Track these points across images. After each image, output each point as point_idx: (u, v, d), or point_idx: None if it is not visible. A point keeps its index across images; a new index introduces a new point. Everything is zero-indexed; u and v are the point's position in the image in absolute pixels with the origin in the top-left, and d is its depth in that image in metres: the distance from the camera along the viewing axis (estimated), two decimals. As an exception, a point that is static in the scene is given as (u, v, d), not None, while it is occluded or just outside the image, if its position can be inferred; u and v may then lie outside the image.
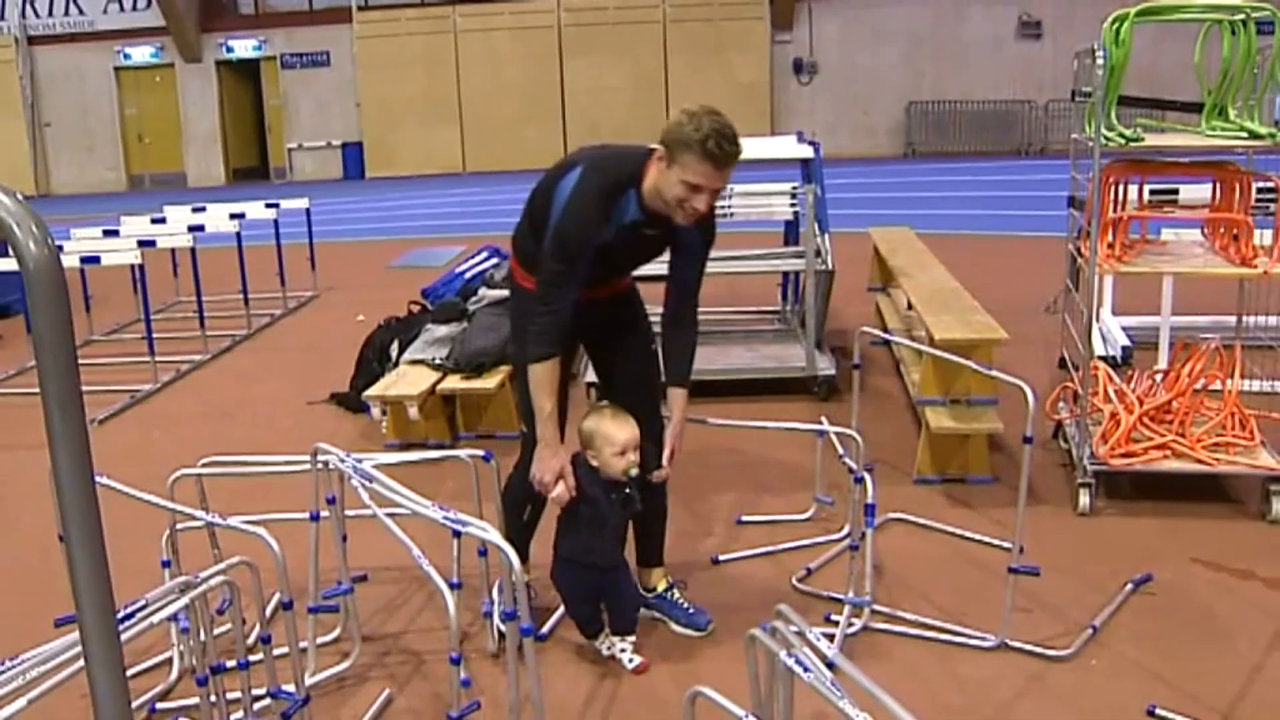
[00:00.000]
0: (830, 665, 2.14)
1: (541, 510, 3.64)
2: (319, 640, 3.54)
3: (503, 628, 3.38)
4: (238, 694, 2.96)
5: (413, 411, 5.50)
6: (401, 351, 6.17)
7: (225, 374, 7.51)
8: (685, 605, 3.73)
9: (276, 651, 3.01)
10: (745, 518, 4.61)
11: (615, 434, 3.30)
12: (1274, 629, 3.61)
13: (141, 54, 23.66)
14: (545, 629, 3.68)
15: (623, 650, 3.51)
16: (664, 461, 3.47)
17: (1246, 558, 4.11)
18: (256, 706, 3.01)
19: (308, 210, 9.83)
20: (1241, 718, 3.13)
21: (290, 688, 2.94)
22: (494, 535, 2.63)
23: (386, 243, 13.16)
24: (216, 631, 3.38)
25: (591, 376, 6.38)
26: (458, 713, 2.81)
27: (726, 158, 3.12)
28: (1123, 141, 4.38)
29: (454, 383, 5.73)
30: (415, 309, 6.84)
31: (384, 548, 4.01)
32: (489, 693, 3.30)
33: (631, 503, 3.35)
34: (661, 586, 3.77)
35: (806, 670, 2.06)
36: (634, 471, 3.30)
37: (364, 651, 3.55)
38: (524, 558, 3.57)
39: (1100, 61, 4.29)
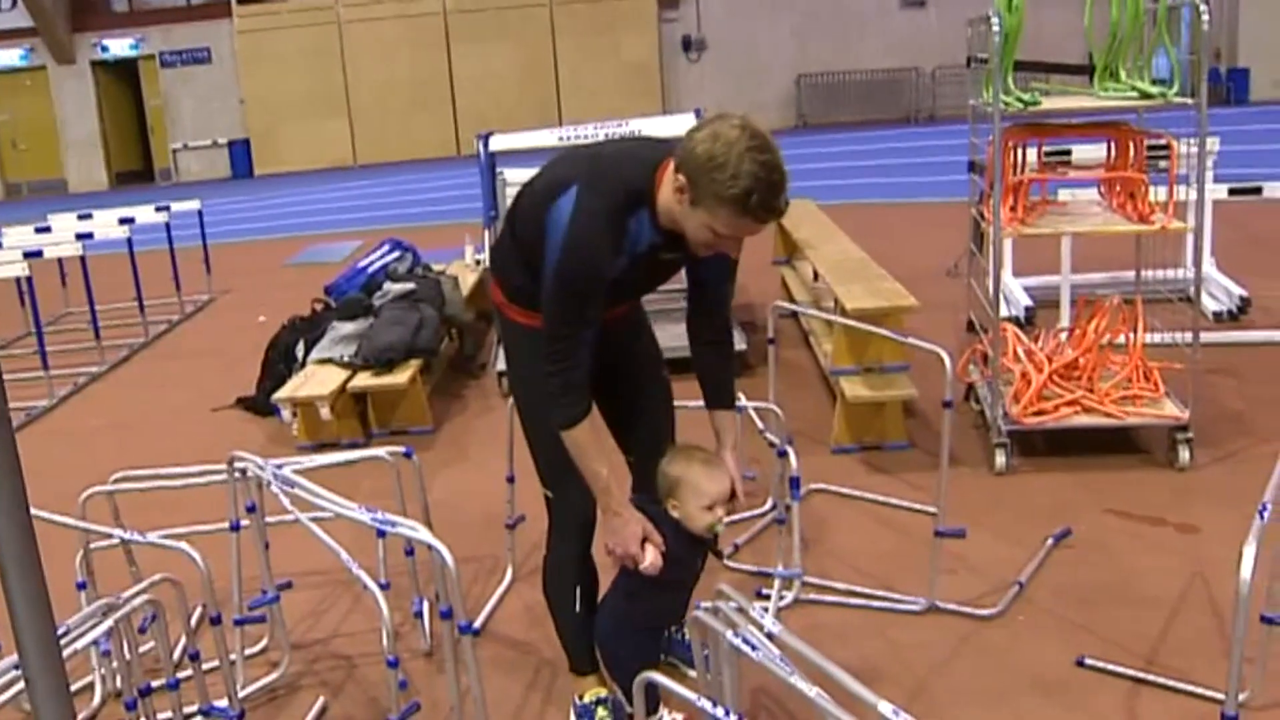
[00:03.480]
0: (772, 638, 2.14)
1: (596, 594, 3.03)
2: (246, 652, 3.46)
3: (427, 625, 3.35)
4: (168, 714, 2.87)
5: (324, 412, 5.40)
6: (308, 351, 6.06)
7: (125, 385, 7.30)
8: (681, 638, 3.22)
9: (204, 667, 2.93)
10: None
11: (707, 486, 2.78)
12: (1187, 573, 3.72)
13: (10, 57, 22.84)
14: (477, 623, 3.64)
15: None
16: (737, 494, 2.91)
17: (1158, 506, 4.23)
18: (188, 725, 2.93)
19: (200, 212, 9.59)
20: (1165, 661, 3.22)
21: (222, 703, 2.87)
22: (424, 534, 2.58)
23: (281, 241, 12.91)
24: (139, 651, 3.28)
25: (504, 365, 6.37)
26: (398, 715, 2.76)
27: (772, 214, 2.48)
28: (1021, 105, 4.45)
29: (364, 380, 5.64)
30: (319, 307, 6.71)
31: (303, 553, 3.94)
32: (425, 693, 3.25)
33: (716, 553, 2.97)
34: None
35: (755, 649, 2.06)
36: (720, 529, 2.82)
37: (294, 660, 3.48)
38: (594, 664, 3.05)
39: (996, 28, 4.34)
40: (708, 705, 2.07)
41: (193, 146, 23.00)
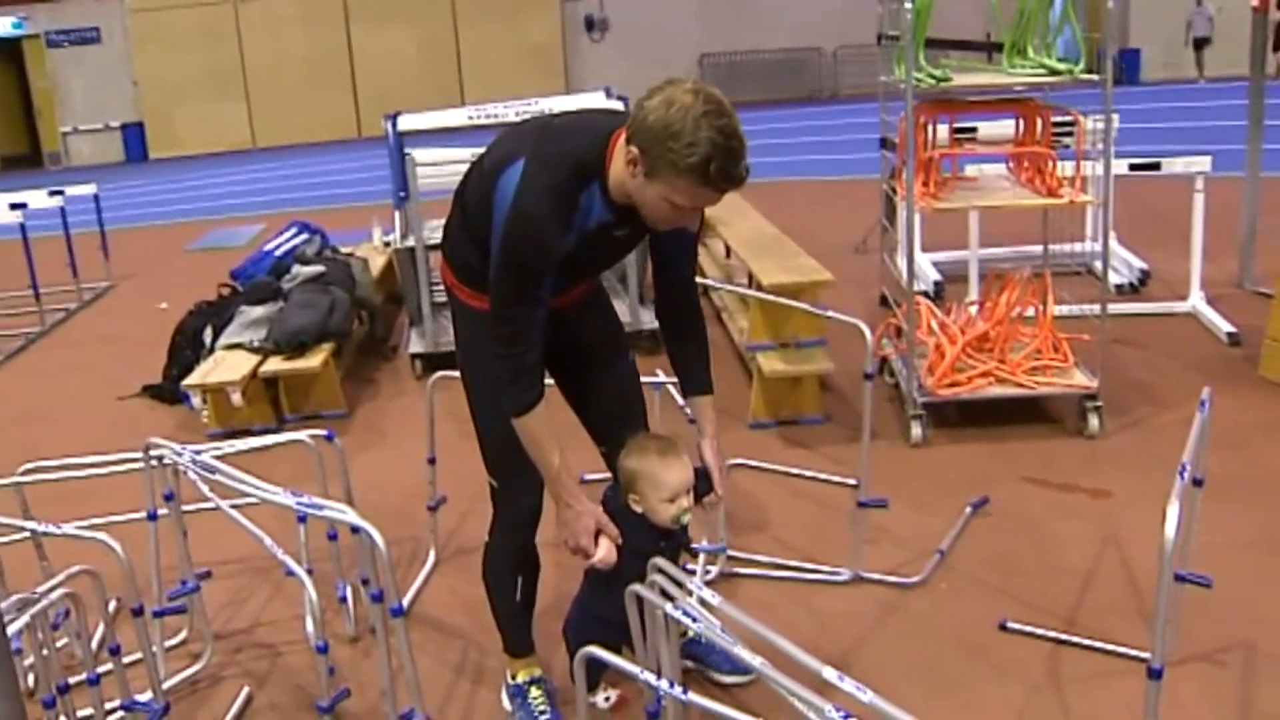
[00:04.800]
0: (712, 609, 2.15)
1: (536, 580, 2.99)
2: (166, 644, 3.38)
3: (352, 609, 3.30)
4: (89, 710, 2.79)
5: (235, 397, 5.28)
6: (216, 337, 5.92)
7: (23, 375, 7.06)
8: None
9: (125, 660, 2.85)
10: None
11: (665, 477, 2.66)
12: (1100, 536, 3.82)
13: (-119, 38, 21.96)
14: (404, 602, 3.59)
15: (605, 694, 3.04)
16: (716, 487, 2.83)
17: (1070, 472, 4.33)
18: (110, 721, 2.85)
19: (96, 196, 9.31)
20: (1083, 621, 3.31)
21: (144, 697, 2.80)
22: (352, 516, 2.54)
23: (181, 225, 12.60)
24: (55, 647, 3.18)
25: (417, 347, 6.31)
26: (328, 702, 2.72)
27: (732, 183, 2.33)
28: (933, 82, 4.51)
29: (276, 364, 5.54)
30: (225, 291, 6.56)
31: (219, 542, 3.88)
32: (352, 678, 3.20)
33: (683, 549, 2.86)
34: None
35: (695, 620, 2.07)
36: (686, 519, 2.71)
37: (216, 650, 3.40)
38: (528, 648, 3.01)
39: (909, 5, 4.39)
40: (650, 678, 2.07)
41: (84, 130, 22.31)
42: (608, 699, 2.98)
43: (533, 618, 3.03)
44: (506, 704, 3.05)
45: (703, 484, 2.79)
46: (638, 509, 2.70)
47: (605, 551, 2.66)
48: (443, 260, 2.81)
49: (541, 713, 2.92)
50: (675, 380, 3.26)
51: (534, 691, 2.97)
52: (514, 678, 3.02)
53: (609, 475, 2.87)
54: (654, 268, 2.85)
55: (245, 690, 3.22)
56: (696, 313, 2.89)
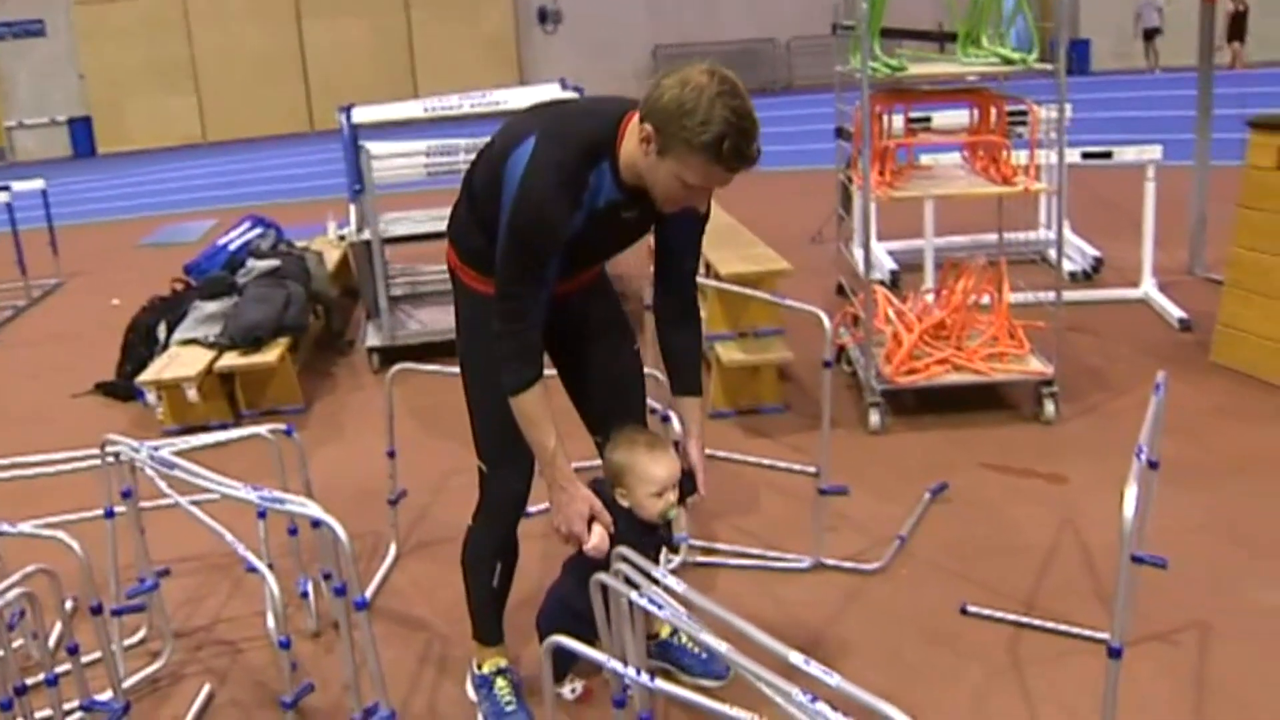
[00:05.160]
0: (677, 597, 2.16)
1: (514, 569, 2.98)
2: (125, 643, 3.34)
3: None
4: (48, 711, 2.76)
5: (191, 393, 5.23)
6: (170, 332, 5.86)
7: (-29, 373, 6.96)
8: (695, 650, 3.10)
9: (83, 660, 2.82)
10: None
11: (653, 471, 2.65)
12: (1058, 520, 3.87)
13: None
14: (366, 595, 3.57)
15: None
16: (700, 487, 2.81)
17: (1027, 458, 4.38)
18: (69, 721, 2.82)
19: (44, 192, 9.17)
20: (1042, 604, 3.35)
21: (104, 697, 2.76)
22: (314, 510, 2.52)
23: (132, 221, 12.45)
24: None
25: (374, 341, 6.27)
26: (291, 697, 2.70)
27: (745, 162, 2.33)
28: (889, 71, 4.53)
29: (232, 359, 5.49)
30: (179, 287, 6.49)
31: (177, 539, 3.84)
32: (315, 673, 3.18)
33: (669, 545, 2.83)
34: (666, 631, 3.12)
35: (661, 608, 2.07)
36: (672, 514, 2.70)
37: (176, 648, 3.37)
38: (497, 637, 3.01)
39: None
40: (617, 666, 2.08)
41: (29, 124, 22.00)
42: (574, 690, 2.98)
43: (505, 607, 3.02)
44: (471, 693, 3.05)
45: (687, 484, 2.77)
46: (624, 503, 2.68)
47: (598, 539, 2.63)
48: (449, 243, 2.81)
49: (507, 704, 2.92)
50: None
51: (500, 682, 2.96)
52: (480, 667, 3.01)
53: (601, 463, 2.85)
54: (656, 260, 2.82)
55: (206, 688, 3.19)
56: (694, 310, 2.88)
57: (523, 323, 2.50)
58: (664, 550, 2.82)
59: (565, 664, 2.91)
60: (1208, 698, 2.87)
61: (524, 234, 2.42)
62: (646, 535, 2.67)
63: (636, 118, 2.40)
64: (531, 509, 2.94)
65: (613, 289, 3.00)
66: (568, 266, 2.57)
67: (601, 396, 2.91)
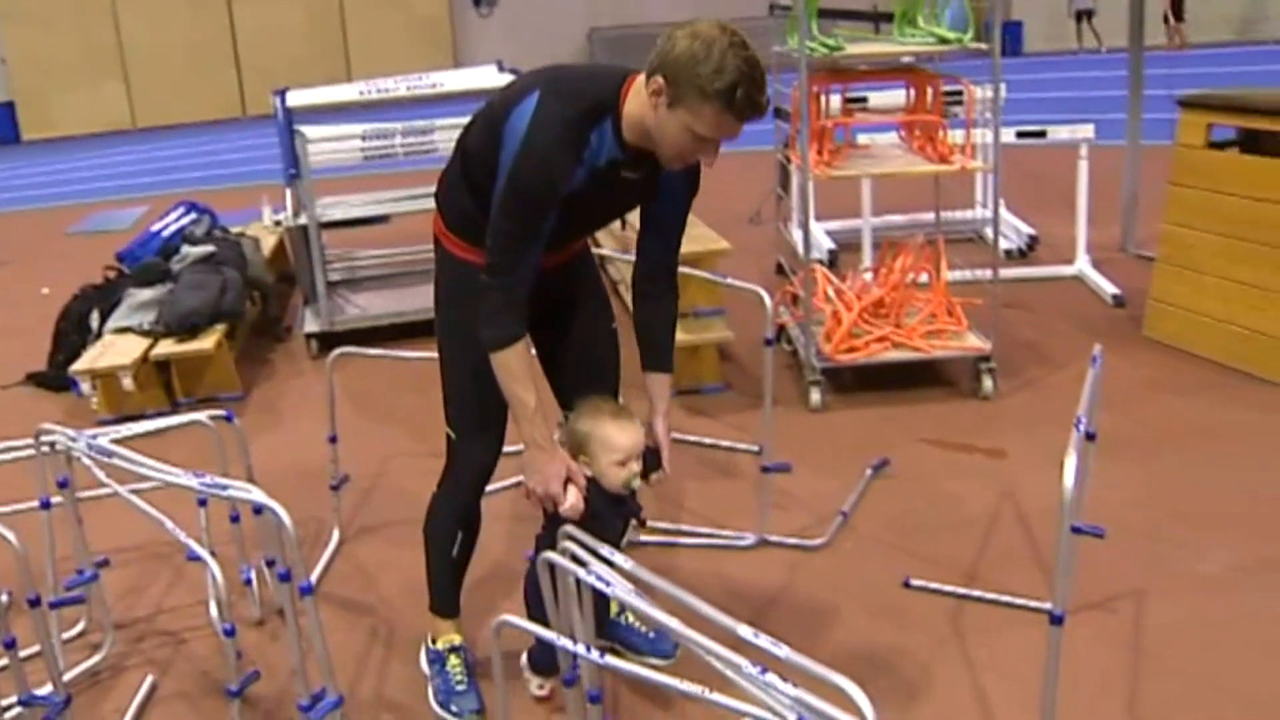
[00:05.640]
0: (624, 574, 2.17)
1: (474, 540, 2.97)
2: (63, 636, 3.29)
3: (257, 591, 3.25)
4: (-15, 704, 2.72)
5: (127, 382, 5.15)
6: (104, 321, 5.75)
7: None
8: (642, 629, 3.12)
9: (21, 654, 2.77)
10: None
11: (617, 439, 2.64)
12: (997, 493, 3.93)
13: None
14: (311, 580, 3.55)
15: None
16: (664, 464, 2.81)
17: (966, 433, 4.44)
18: (7, 717, 2.77)
19: (-33, 179, 8.97)
20: (982, 576, 3.40)
21: (43, 691, 2.72)
22: (258, 495, 2.49)
23: (60, 209, 12.18)
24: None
25: (312, 327, 6.21)
26: (237, 685, 2.68)
27: (757, 111, 2.38)
28: (827, 51, 4.55)
29: (167, 347, 5.40)
30: (112, 274, 6.37)
31: (114, 529, 3.79)
32: (260, 661, 3.15)
33: (637, 517, 2.81)
34: (614, 610, 3.11)
35: (609, 585, 2.08)
36: (636, 484, 2.68)
37: (116, 640, 3.32)
38: (454, 609, 3.00)
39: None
40: (567, 643, 2.08)
41: (-50, 111, 21.45)
42: (541, 686, 2.92)
43: (463, 581, 3.00)
44: (424, 666, 3.04)
45: (651, 460, 2.76)
46: (587, 472, 2.67)
47: (575, 499, 2.61)
48: (436, 210, 2.80)
49: (459, 683, 2.91)
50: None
51: (453, 660, 2.95)
52: (434, 642, 3.00)
53: (511, 448, 2.83)
54: (640, 233, 2.82)
55: (149, 679, 3.15)
56: (674, 285, 2.89)
57: (513, 276, 2.49)
58: (632, 522, 2.82)
59: (550, 661, 2.81)
60: (1144, 662, 2.93)
61: (524, 186, 2.42)
62: (615, 505, 2.68)
63: (641, 78, 2.44)
64: (492, 486, 2.93)
65: (595, 267, 3.01)
66: (563, 232, 2.56)
67: (574, 371, 2.91)
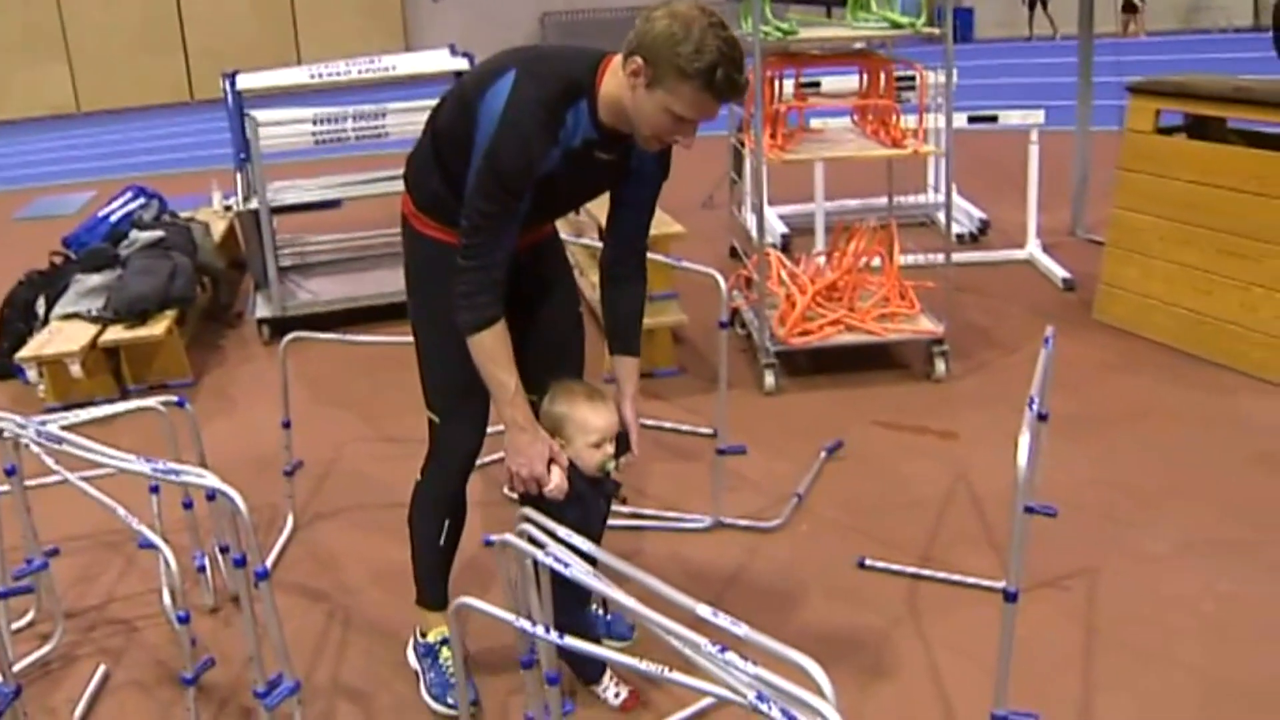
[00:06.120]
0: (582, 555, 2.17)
1: (461, 527, 2.93)
2: (13, 625, 3.24)
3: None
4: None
5: (75, 369, 5.07)
6: (50, 307, 5.66)
7: None
8: (599, 613, 3.11)
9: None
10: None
11: (593, 420, 2.64)
12: (950, 474, 3.97)
13: None
14: (267, 564, 3.52)
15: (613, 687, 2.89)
16: (633, 447, 2.80)
17: (919, 415, 4.48)
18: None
19: (-92, 163, 8.79)
20: (936, 556, 3.44)
21: (-8, 679, 2.68)
22: (213, 480, 2.47)
23: (4, 194, 11.97)
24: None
25: (264, 312, 6.15)
26: (192, 673, 2.65)
27: (736, 91, 2.38)
28: (780, 35, 4.56)
29: (116, 333, 5.33)
30: (58, 260, 6.27)
31: (63, 517, 3.74)
32: (215, 648, 3.13)
33: (616, 498, 2.80)
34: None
35: (567, 566, 2.08)
36: (611, 466, 2.68)
37: (68, 629, 3.28)
38: (443, 601, 2.93)
39: (754, -43, 4.43)
40: (526, 625, 2.08)
41: (-113, 95, 21.00)
42: (617, 695, 2.85)
43: (450, 570, 2.96)
44: (413, 662, 3.00)
45: (620, 444, 2.75)
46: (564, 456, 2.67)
47: (559, 479, 2.60)
48: (405, 190, 2.76)
49: (453, 675, 2.84)
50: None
51: (445, 652, 2.89)
52: (424, 635, 2.96)
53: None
54: (611, 215, 2.81)
55: (102, 668, 3.11)
56: (643, 268, 2.88)
57: (490, 258, 2.47)
58: (612, 503, 2.82)
59: (598, 667, 2.84)
60: (1096, 639, 2.98)
61: (501, 167, 2.40)
62: (595, 486, 2.68)
63: (618, 59, 2.43)
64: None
65: (564, 251, 3.00)
66: (535, 214, 2.54)
67: (539, 354, 2.84)
